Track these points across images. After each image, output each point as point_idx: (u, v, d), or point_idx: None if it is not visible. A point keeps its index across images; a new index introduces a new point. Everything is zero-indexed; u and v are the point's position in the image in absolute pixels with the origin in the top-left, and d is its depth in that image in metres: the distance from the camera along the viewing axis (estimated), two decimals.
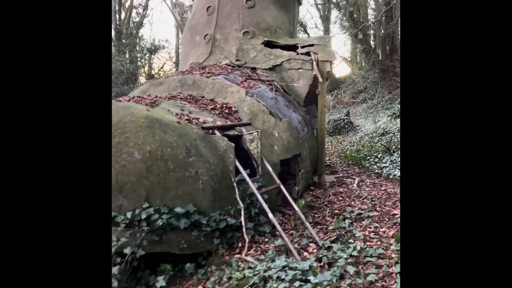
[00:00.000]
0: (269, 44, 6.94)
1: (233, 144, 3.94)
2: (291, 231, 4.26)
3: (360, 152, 9.84)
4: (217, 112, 4.69)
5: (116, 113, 3.46)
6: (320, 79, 5.89)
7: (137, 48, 22.79)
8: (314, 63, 6.02)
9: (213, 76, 5.60)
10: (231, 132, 4.23)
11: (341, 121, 15.91)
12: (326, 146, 12.56)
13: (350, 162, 9.22)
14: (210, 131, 4.03)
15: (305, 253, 3.70)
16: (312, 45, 6.55)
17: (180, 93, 5.21)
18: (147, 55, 23.67)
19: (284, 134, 5.06)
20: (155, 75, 23.19)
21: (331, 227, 4.30)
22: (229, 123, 4.43)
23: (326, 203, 5.22)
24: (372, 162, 8.33)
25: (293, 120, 5.47)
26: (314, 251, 3.75)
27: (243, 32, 7.02)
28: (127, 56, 22.62)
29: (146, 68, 24.39)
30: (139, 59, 22.95)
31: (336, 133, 15.53)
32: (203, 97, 5.17)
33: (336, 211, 4.86)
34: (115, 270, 2.93)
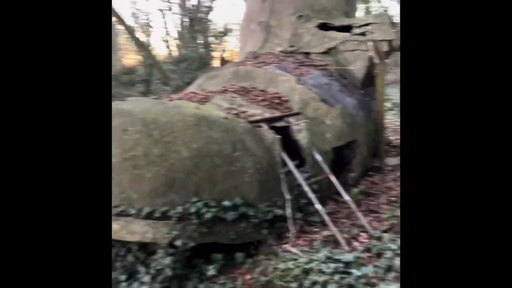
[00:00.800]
0: (323, 27, 6.77)
1: (279, 136, 4.01)
2: (344, 220, 4.25)
3: None
4: (267, 103, 4.77)
5: (165, 113, 3.71)
6: (377, 60, 5.64)
7: (209, 33, 23.34)
8: (370, 43, 5.77)
9: (265, 65, 5.67)
10: (278, 124, 4.30)
11: None
12: (398, 124, 11.99)
13: None
14: (257, 123, 4.13)
15: (355, 243, 3.69)
16: (368, 24, 6.27)
17: (233, 85, 5.36)
18: (219, 38, 24.14)
19: (337, 120, 4.99)
20: (226, 58, 23.63)
21: (385, 216, 4.21)
22: (277, 114, 4.49)
23: (383, 189, 5.08)
24: None
25: (347, 105, 5.35)
26: (365, 240, 3.72)
27: (297, 16, 6.94)
28: (199, 41, 23.31)
29: (219, 52, 24.95)
30: (211, 43, 23.51)
31: None
32: (254, 88, 5.27)
33: (393, 198, 4.72)
34: (168, 260, 3.22)
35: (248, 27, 7.72)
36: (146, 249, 3.56)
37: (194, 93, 4.85)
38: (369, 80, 6.21)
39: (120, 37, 30.46)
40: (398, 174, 5.77)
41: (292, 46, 6.59)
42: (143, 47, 15.78)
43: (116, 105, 3.85)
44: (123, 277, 3.43)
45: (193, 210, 3.37)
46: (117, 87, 20.89)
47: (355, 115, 5.39)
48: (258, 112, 4.40)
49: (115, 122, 3.58)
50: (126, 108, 3.70)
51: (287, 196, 3.78)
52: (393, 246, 3.32)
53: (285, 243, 3.63)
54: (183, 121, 3.65)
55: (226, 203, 3.49)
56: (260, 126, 4.11)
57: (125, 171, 3.36)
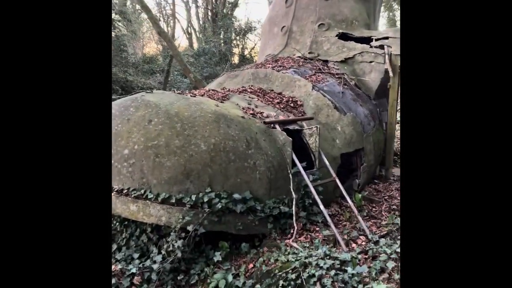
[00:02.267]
0: (343, 36, 7.00)
1: (290, 138, 4.26)
2: (345, 223, 4.49)
3: None
4: (282, 106, 5.03)
5: (188, 108, 4.00)
6: (391, 74, 5.85)
7: (231, 29, 23.50)
8: (387, 56, 5.98)
9: (284, 69, 5.91)
10: (291, 126, 4.55)
11: None
12: None
13: None
14: (272, 125, 4.39)
15: (354, 245, 3.92)
16: (387, 38, 6.47)
17: (251, 86, 5.63)
18: (240, 35, 24.25)
19: (347, 128, 5.22)
20: (246, 56, 23.77)
21: (384, 222, 4.44)
22: (291, 117, 4.75)
23: (386, 197, 5.30)
24: None
25: (359, 114, 5.57)
26: (363, 243, 3.96)
27: (318, 24, 7.17)
28: (221, 37, 23.52)
29: (239, 49, 25.08)
30: (233, 40, 23.67)
31: None
32: (272, 90, 5.53)
33: (394, 206, 4.94)
34: (179, 243, 3.51)
35: (270, 30, 7.97)
36: (159, 231, 3.87)
37: (214, 90, 5.13)
38: (383, 91, 6.43)
39: (143, 26, 30.96)
40: None
41: (311, 53, 6.82)
42: (165, 38, 16.08)
43: (142, 96, 4.15)
44: (136, 255, 3.73)
45: (205, 199, 3.65)
46: (137, 75, 21.35)
47: (366, 124, 5.61)
48: (273, 113, 4.66)
49: (141, 112, 3.89)
50: (152, 100, 3.99)
51: (294, 195, 4.03)
52: (388, 251, 3.56)
53: (288, 238, 3.89)
54: (203, 116, 3.93)
55: (236, 196, 3.76)
56: (274, 127, 4.37)
57: (147, 158, 3.66)
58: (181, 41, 33.35)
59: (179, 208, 3.58)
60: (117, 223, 4.07)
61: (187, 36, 30.26)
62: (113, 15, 20.79)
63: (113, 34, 21.98)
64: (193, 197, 3.64)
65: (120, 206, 3.62)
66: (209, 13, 26.03)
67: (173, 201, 3.60)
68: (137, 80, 19.62)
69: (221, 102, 4.61)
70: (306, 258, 3.32)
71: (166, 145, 3.68)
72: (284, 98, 5.24)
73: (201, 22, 28.41)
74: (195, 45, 27.71)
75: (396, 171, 6.63)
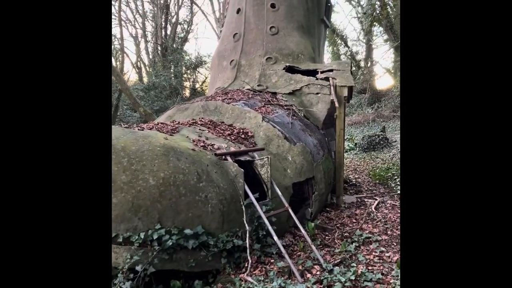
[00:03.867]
0: (290, 69, 7.25)
1: (242, 170, 4.24)
2: (299, 253, 4.47)
3: (389, 171, 9.80)
4: (233, 137, 5.03)
5: (135, 142, 3.88)
6: (337, 104, 6.09)
7: (181, 63, 23.64)
8: (332, 88, 6.24)
9: (234, 101, 5.97)
10: (243, 158, 4.54)
11: (376, 137, 15.68)
12: (358, 163, 12.57)
13: (377, 182, 9.22)
14: (223, 156, 4.36)
15: (308, 275, 3.90)
16: (331, 70, 6.78)
17: (202, 118, 5.61)
18: (191, 69, 24.42)
19: (298, 158, 5.31)
20: (197, 89, 23.88)
21: (337, 250, 4.47)
22: (242, 148, 4.75)
23: (338, 225, 5.37)
24: (398, 183, 8.31)
25: (308, 144, 5.70)
26: (318, 273, 3.94)
27: (266, 58, 7.39)
28: (171, 70, 23.54)
29: (190, 83, 25.18)
30: (183, 73, 23.77)
31: (371, 149, 15.34)
32: (222, 122, 5.54)
33: (346, 233, 5.01)
34: (127, 285, 3.30)
35: (219, 64, 8.09)
36: None
37: (164, 123, 5.05)
38: (330, 121, 6.65)
39: None
40: (353, 211, 6.11)
41: (260, 85, 6.97)
42: (113, 72, 15.81)
43: None
44: None
45: (155, 236, 3.49)
46: None
47: (315, 154, 5.74)
48: (224, 145, 4.64)
49: None
50: None
51: (247, 227, 3.97)
52: (343, 279, 3.57)
53: (243, 273, 3.79)
54: (152, 150, 3.83)
55: (187, 231, 3.64)
56: (225, 159, 4.34)
57: None
58: (130, 75, 32.95)
59: (126, 247, 3.40)
60: None
61: (137, 70, 30.01)
62: None
63: None
64: (142, 235, 3.48)
65: None
66: (159, 48, 26.10)
67: (120, 240, 3.42)
68: None
69: (171, 135, 4.53)
70: None
71: (112, 181, 3.52)
72: (235, 129, 5.26)
73: (150, 57, 28.36)
74: (145, 79, 27.50)
75: (347, 198, 6.78)
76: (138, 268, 3.34)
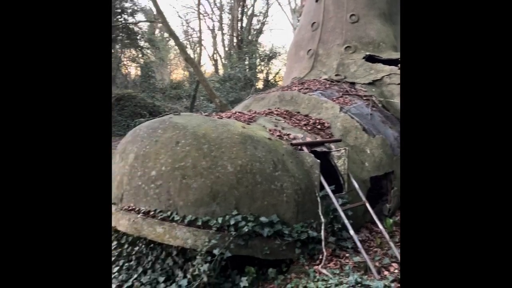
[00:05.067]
0: (370, 59, 6.94)
1: (318, 160, 4.17)
2: (376, 249, 4.30)
3: None
4: (309, 128, 4.96)
5: (215, 129, 3.99)
6: None
7: (256, 55, 23.97)
8: None
9: (310, 91, 5.88)
10: (319, 148, 4.46)
11: None
12: None
13: None
14: (299, 147, 4.32)
15: (386, 272, 3.74)
16: None
17: (278, 108, 5.60)
18: (265, 61, 24.68)
19: (377, 151, 5.08)
20: (270, 81, 24.06)
21: None
22: (318, 139, 4.67)
23: None
24: None
25: (388, 137, 5.43)
26: (396, 271, 3.76)
27: (345, 47, 7.15)
28: (246, 62, 23.99)
29: (263, 74, 25.45)
30: (257, 65, 24.11)
31: None
32: (298, 112, 5.48)
33: None
34: (205, 267, 3.43)
35: (296, 53, 8.01)
36: (185, 254, 3.80)
37: (241, 112, 5.13)
38: None
39: (171, 53, 31.95)
40: None
41: (338, 75, 6.78)
42: (191, 64, 16.48)
43: (170, 118, 4.18)
44: (161, 278, 3.67)
45: (232, 222, 3.57)
46: (164, 100, 21.88)
47: (396, 147, 5.46)
48: (300, 135, 4.59)
49: (168, 134, 3.91)
50: (180, 122, 4.01)
51: (323, 219, 3.90)
52: None
53: (317, 264, 3.74)
54: (230, 138, 3.91)
55: (263, 219, 3.67)
56: (301, 149, 4.29)
57: (174, 179, 3.64)
58: (207, 67, 34.14)
59: (205, 231, 3.52)
60: (143, 246, 4.03)
61: (213, 62, 30.98)
62: (142, 43, 21.59)
63: (141, 61, 22.79)
64: (220, 220, 3.58)
65: (147, 228, 3.58)
66: (235, 40, 26.65)
67: (200, 223, 3.55)
68: (164, 105, 20.13)
69: (248, 124, 4.59)
70: (336, 285, 3.16)
71: (193, 166, 3.66)
72: (311, 120, 5.18)
73: (226, 49, 29.09)
74: (221, 71, 28.31)
75: None
76: (216, 251, 3.44)
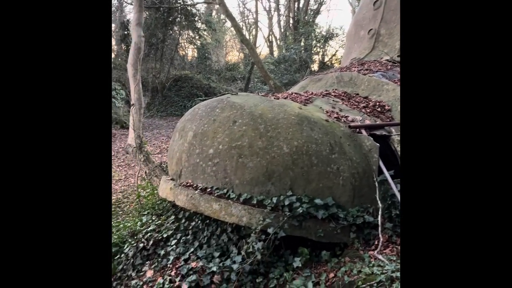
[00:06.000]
0: None
1: (377, 144, 4.02)
2: None
3: None
4: (368, 110, 4.79)
5: (272, 110, 3.97)
6: None
7: (312, 36, 23.43)
8: None
9: (370, 72, 5.65)
10: (378, 132, 4.30)
11: None
12: None
13: None
14: (357, 129, 4.19)
15: None
16: None
17: (335, 89, 5.46)
18: (321, 42, 24.07)
19: None
20: (326, 63, 23.50)
21: None
22: (378, 122, 4.50)
23: None
24: None
25: None
26: None
27: None
28: (302, 44, 23.55)
29: (319, 56, 24.84)
30: (313, 47, 23.58)
31: None
32: (357, 94, 5.31)
33: None
34: (259, 245, 3.47)
35: (356, 33, 7.72)
36: (239, 232, 3.88)
37: (298, 93, 5.06)
38: None
39: (227, 35, 32.18)
40: None
41: (400, 56, 6.44)
42: (247, 45, 16.48)
43: (228, 98, 4.22)
44: (216, 253, 3.78)
45: (286, 202, 3.58)
46: (219, 81, 22.21)
47: None
48: (358, 118, 4.45)
49: (226, 113, 3.95)
50: (237, 102, 4.04)
51: (380, 204, 3.78)
52: None
53: (372, 250, 3.65)
54: (286, 119, 3.88)
55: (318, 201, 3.63)
56: (359, 132, 4.17)
57: (231, 158, 3.69)
58: (262, 49, 34.03)
59: (260, 209, 3.55)
60: (199, 221, 4.17)
61: (268, 44, 30.76)
62: (199, 25, 21.91)
63: (198, 42, 23.18)
64: (274, 200, 3.60)
65: (203, 204, 3.69)
66: (291, 21, 26.22)
67: (254, 202, 3.59)
68: (220, 87, 20.44)
69: (304, 105, 4.52)
70: (393, 272, 3.07)
71: (249, 146, 3.68)
72: (370, 102, 4.99)
73: (282, 30, 28.72)
74: (276, 53, 28.07)
75: None
76: (270, 230, 3.47)
